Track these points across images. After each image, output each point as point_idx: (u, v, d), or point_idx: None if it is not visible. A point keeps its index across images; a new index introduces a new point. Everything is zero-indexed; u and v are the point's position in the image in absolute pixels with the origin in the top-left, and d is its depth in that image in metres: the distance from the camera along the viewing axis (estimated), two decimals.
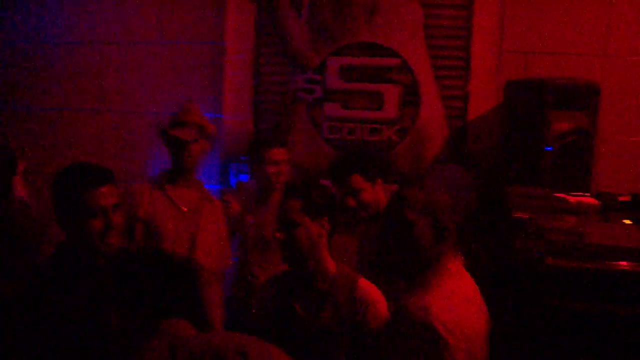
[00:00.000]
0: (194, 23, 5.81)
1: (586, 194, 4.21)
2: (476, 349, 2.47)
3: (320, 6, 5.56)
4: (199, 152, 4.13)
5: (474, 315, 2.53)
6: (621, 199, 4.26)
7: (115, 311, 2.28)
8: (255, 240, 4.50)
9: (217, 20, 5.71)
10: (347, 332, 2.93)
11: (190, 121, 4.10)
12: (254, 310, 3.27)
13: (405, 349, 2.45)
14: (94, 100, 5.99)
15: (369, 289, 3.04)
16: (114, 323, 2.28)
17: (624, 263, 2.90)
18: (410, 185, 2.73)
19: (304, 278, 3.10)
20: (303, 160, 5.50)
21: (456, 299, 2.51)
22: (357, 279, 3.06)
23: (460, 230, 2.63)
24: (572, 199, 3.98)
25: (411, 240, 2.60)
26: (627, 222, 3.85)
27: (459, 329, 2.41)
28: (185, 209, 4.13)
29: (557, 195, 4.04)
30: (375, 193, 3.82)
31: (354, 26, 5.51)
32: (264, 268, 4.40)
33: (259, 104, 5.70)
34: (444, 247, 2.61)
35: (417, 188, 2.72)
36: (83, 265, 2.61)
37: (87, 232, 2.62)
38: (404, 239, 2.62)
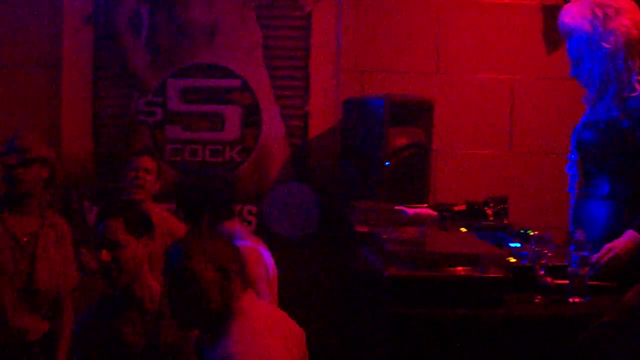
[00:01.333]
0: (28, 46, 5.61)
1: (424, 206, 4.38)
2: None
3: (159, 28, 5.51)
4: (32, 178, 4.01)
5: (281, 342, 2.56)
6: (457, 208, 4.45)
7: None
8: None
9: (53, 43, 5.54)
10: (191, 351, 2.89)
11: (20, 146, 3.99)
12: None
13: None
14: None
15: None
16: None
17: (460, 269, 3.04)
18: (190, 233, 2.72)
19: (131, 301, 3.02)
20: None
21: (258, 335, 2.51)
22: None
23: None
24: (410, 211, 4.12)
25: (200, 292, 2.55)
26: (463, 230, 4.04)
27: None
28: (26, 239, 4.01)
29: (397, 208, 4.17)
30: None
31: (193, 48, 5.49)
32: None
33: (100, 128, 5.56)
34: (233, 289, 2.60)
35: (194, 236, 2.75)
36: None
37: None
38: (192, 292, 2.56)
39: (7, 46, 5.59)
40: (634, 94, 3.57)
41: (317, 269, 5.34)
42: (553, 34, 5.03)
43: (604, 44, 3.53)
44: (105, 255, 2.94)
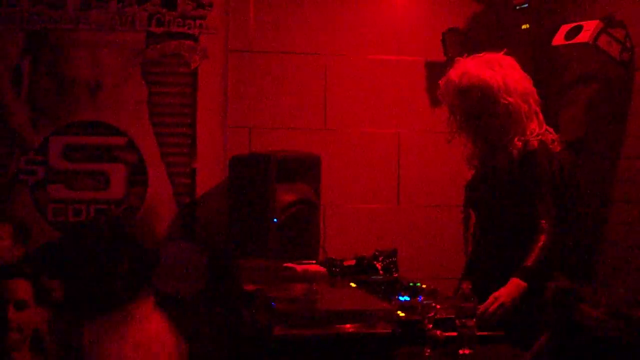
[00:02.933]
0: None
1: (312, 262, 4.34)
2: None
3: (40, 84, 5.37)
4: None
5: None
6: (346, 263, 4.43)
7: None
8: None
9: None
10: None
11: None
12: None
13: None
14: None
15: None
16: None
17: (348, 326, 3.00)
18: None
19: None
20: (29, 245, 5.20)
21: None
22: None
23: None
24: (299, 268, 4.07)
25: None
26: (353, 285, 4.01)
27: None
28: None
29: (286, 265, 4.12)
30: None
31: (76, 104, 5.38)
32: None
33: None
34: None
35: None
36: None
37: None
38: None
39: None
40: (530, 149, 3.63)
41: (206, 330, 5.21)
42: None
43: (504, 97, 3.60)
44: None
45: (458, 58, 3.85)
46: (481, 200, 3.84)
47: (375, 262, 4.46)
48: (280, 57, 5.57)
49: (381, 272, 4.41)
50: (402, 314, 3.31)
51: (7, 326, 3.00)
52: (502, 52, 3.76)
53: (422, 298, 3.22)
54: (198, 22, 5.42)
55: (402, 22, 5.69)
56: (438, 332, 3.15)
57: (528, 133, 3.64)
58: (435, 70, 4.94)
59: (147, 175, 5.41)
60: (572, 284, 2.83)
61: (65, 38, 5.37)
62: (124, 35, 5.38)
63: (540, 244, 3.44)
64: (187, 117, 5.44)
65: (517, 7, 5.15)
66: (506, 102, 3.62)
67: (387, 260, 4.45)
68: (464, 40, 5.32)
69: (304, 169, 4.97)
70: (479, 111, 3.70)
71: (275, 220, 4.73)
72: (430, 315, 3.17)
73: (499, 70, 3.66)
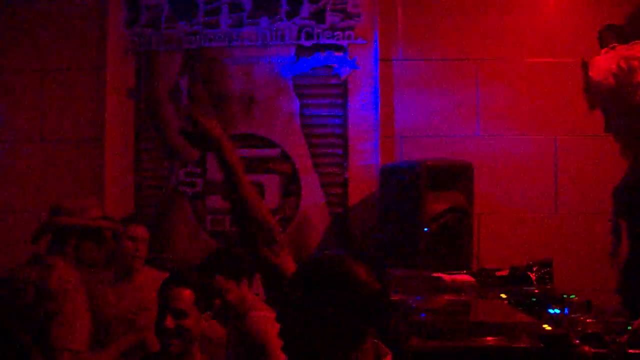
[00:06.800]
0: (73, 120, 5.75)
1: (462, 272, 4.25)
2: None
3: (198, 100, 5.58)
4: None
5: None
6: (499, 273, 4.32)
7: None
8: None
9: (96, 117, 5.67)
10: None
11: None
12: None
13: None
14: None
15: None
16: None
17: (489, 339, 2.91)
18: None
19: None
20: (188, 255, 5.40)
21: None
22: None
23: None
24: (447, 278, 4.00)
25: None
26: (503, 296, 3.90)
27: None
28: None
29: (434, 275, 4.06)
30: (241, 292, 3.72)
31: (232, 118, 5.54)
32: None
33: (141, 199, 5.62)
34: None
35: None
36: None
37: None
38: None
39: (53, 123, 5.75)
40: None
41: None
42: None
43: (629, 98, 3.42)
44: (169, 321, 2.93)
45: None
46: (636, 206, 3.64)
47: (529, 273, 4.33)
48: (429, 64, 5.52)
49: (535, 283, 4.28)
50: (548, 328, 3.19)
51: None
52: None
53: (568, 311, 3.09)
54: (347, 32, 5.46)
55: (556, 23, 5.50)
56: (586, 348, 3.01)
57: None
58: None
59: (300, 186, 5.49)
60: None
61: (220, 55, 5.57)
62: (275, 49, 5.51)
63: None
64: (338, 128, 5.49)
65: None
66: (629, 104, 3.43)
67: (542, 271, 4.31)
68: (621, 37, 5.06)
69: (455, 176, 4.88)
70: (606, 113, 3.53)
71: (426, 229, 4.67)
72: (577, 329, 3.04)
73: (626, 69, 3.47)
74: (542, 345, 2.90)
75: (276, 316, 2.16)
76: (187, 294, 2.98)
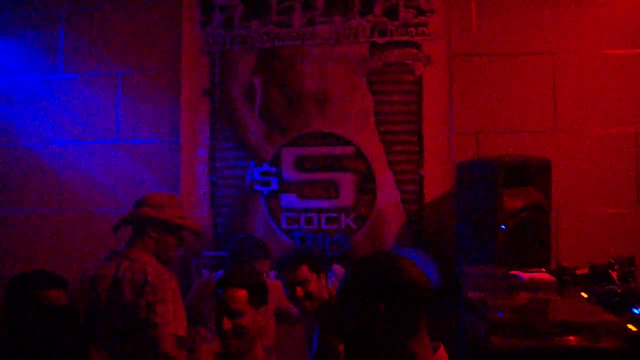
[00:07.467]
0: (149, 121, 5.86)
1: (541, 270, 4.17)
2: None
3: (272, 99, 5.62)
4: None
5: None
6: (579, 272, 4.24)
7: None
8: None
9: (172, 116, 5.76)
10: None
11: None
12: None
13: None
14: (54, 202, 6.00)
15: None
16: None
17: (570, 338, 2.85)
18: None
19: None
20: None
21: None
22: None
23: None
24: (525, 276, 3.94)
25: None
26: (584, 295, 3.82)
27: None
28: None
29: (511, 273, 4.00)
30: (321, 285, 3.82)
31: (306, 117, 5.56)
32: None
33: (216, 198, 5.69)
34: None
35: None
36: None
37: None
38: None
39: (130, 122, 5.86)
40: None
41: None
42: None
43: None
44: (227, 323, 2.97)
45: None
46: None
47: (610, 271, 4.24)
48: (505, 59, 5.43)
49: (617, 281, 4.18)
50: (633, 328, 3.10)
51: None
52: None
53: None
54: (420, 29, 5.42)
55: (634, 13, 5.34)
56: None
57: None
58: None
59: (375, 183, 5.47)
60: None
61: (293, 54, 5.59)
62: (349, 47, 5.51)
63: None
64: (412, 125, 5.45)
65: None
66: None
67: (624, 269, 4.21)
68: None
69: (533, 173, 4.79)
70: None
71: (503, 226, 4.60)
72: None
73: None
74: (626, 345, 2.82)
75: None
76: (241, 294, 3.02)
